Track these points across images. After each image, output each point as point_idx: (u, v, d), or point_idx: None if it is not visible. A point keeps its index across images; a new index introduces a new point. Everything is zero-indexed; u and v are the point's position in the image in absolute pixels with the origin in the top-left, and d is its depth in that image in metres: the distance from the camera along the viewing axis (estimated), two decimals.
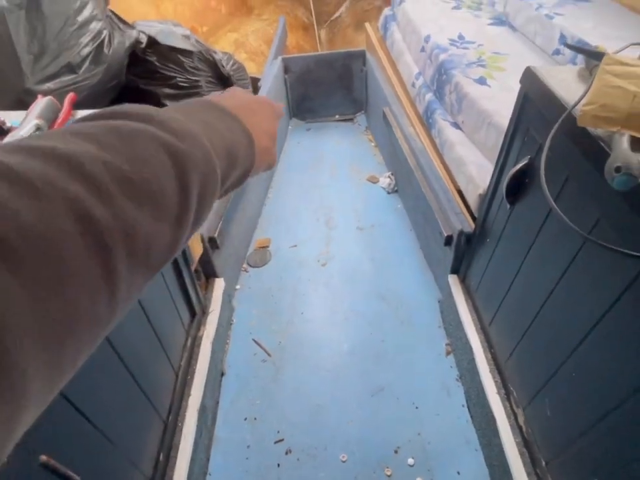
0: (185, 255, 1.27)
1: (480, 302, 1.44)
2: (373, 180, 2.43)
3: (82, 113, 0.94)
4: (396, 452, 1.29)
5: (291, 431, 1.34)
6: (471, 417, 1.37)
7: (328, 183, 2.45)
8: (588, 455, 0.86)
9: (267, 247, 2.02)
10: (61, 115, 0.87)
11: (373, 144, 2.77)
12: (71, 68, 1.32)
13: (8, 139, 0.76)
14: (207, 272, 1.57)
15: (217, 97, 0.38)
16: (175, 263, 1.23)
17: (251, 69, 2.92)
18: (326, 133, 2.92)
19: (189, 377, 1.26)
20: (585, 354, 0.86)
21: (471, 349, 1.37)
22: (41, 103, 0.85)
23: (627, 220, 0.70)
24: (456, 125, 1.65)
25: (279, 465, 1.27)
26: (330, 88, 2.92)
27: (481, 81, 1.58)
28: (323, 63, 2.82)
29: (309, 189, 2.41)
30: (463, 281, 1.57)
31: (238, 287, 1.83)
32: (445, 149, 1.66)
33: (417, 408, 1.40)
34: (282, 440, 1.32)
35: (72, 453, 0.65)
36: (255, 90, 2.43)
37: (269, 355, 1.56)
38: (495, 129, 1.39)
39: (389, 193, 2.32)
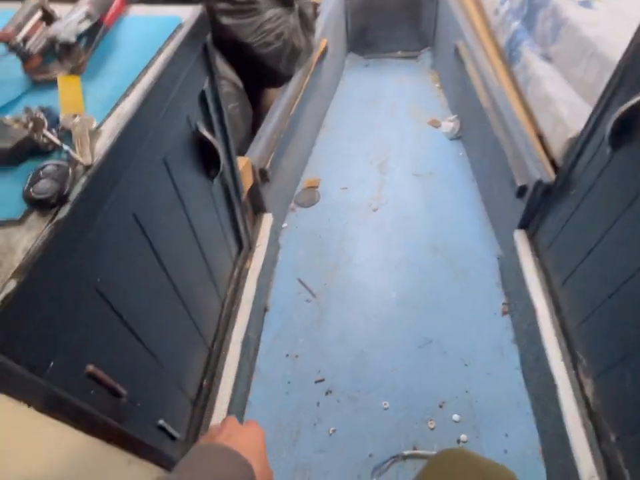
0: (236, 185, 1.20)
1: (551, 261, 1.30)
2: (435, 124, 2.23)
3: (135, 9, 0.84)
4: (441, 406, 1.23)
5: (333, 373, 1.31)
6: (525, 380, 1.28)
7: (384, 124, 2.27)
8: None
9: (316, 187, 1.93)
10: (113, 6, 0.78)
11: (437, 85, 2.52)
12: None
13: (57, 25, 0.68)
14: (256, 206, 1.51)
15: (223, 437, 0.48)
16: (227, 193, 1.16)
17: None
18: (386, 71, 2.68)
19: (234, 308, 1.23)
20: None
21: (534, 310, 1.26)
22: None
23: None
24: (546, 58, 1.42)
25: (318, 404, 1.25)
26: (394, 19, 2.64)
27: (586, 4, 1.33)
28: None
29: (364, 129, 2.24)
30: (532, 238, 1.41)
31: (285, 225, 1.77)
32: (529, 86, 1.45)
33: (465, 365, 1.32)
34: (323, 380, 1.29)
35: (119, 368, 0.63)
36: (315, 16, 2.23)
37: (313, 295, 1.52)
38: (598, 61, 1.17)
39: (451, 139, 2.13)
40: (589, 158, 1.09)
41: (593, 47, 1.20)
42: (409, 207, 1.81)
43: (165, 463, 0.72)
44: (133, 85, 0.64)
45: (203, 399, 1.02)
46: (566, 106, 1.24)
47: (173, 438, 0.84)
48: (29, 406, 0.39)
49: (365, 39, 2.73)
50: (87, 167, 0.51)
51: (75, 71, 0.65)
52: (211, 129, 0.96)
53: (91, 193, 0.50)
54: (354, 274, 1.58)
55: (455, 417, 1.21)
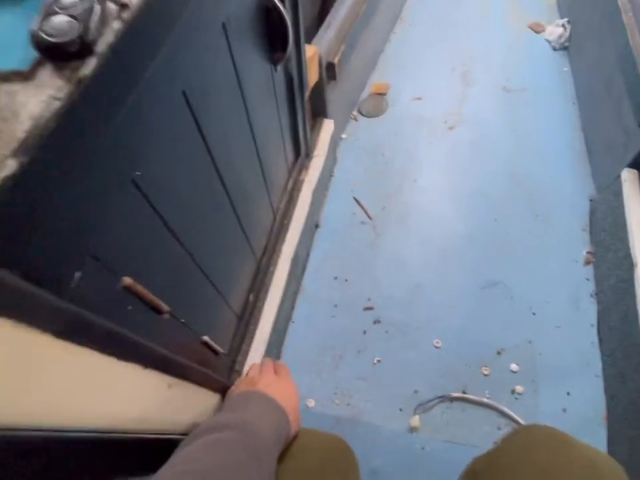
0: (302, 78, 1.00)
1: None
2: (537, 28, 1.83)
3: None
4: (499, 353, 1.13)
5: (383, 302, 1.22)
6: (600, 340, 1.14)
7: (474, 24, 1.89)
8: None
9: (385, 94, 1.67)
10: None
11: None
12: None
13: None
14: (317, 109, 1.31)
15: (262, 385, 0.56)
16: (290, 90, 0.98)
17: None
18: None
19: (285, 221, 1.12)
20: None
21: (631, 264, 1.06)
22: None
23: None
24: None
25: (365, 332, 1.18)
26: None
27: None
28: None
29: (448, 29, 1.88)
30: None
31: (344, 136, 1.58)
32: None
33: (533, 314, 1.19)
34: (372, 308, 1.21)
35: (161, 281, 0.53)
36: None
37: (369, 217, 1.37)
38: None
39: (555, 48, 1.75)
40: None
41: None
42: (492, 128, 1.55)
43: (207, 380, 0.66)
44: None
45: (248, 314, 0.95)
46: None
47: (216, 353, 0.79)
48: (45, 333, 0.29)
49: None
50: (123, 5, 0.35)
51: None
52: None
53: (128, 46, 0.36)
54: (417, 199, 1.41)
55: (513, 366, 1.11)
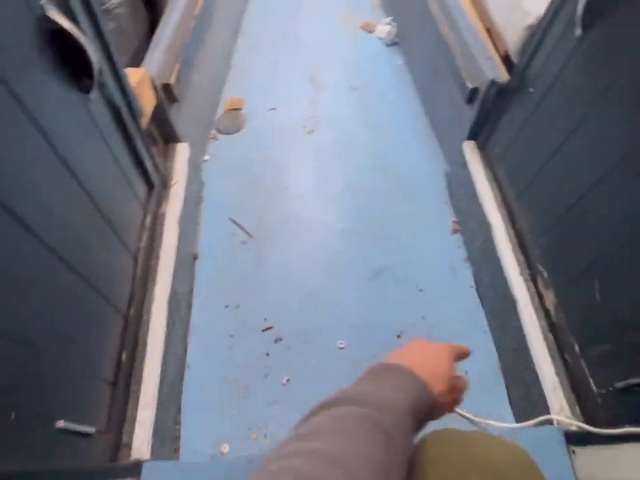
0: (130, 104, 0.91)
1: (504, 173, 1.20)
2: (369, 28, 1.97)
3: None
4: (399, 336, 1.16)
5: (280, 318, 1.17)
6: (480, 299, 1.24)
7: (311, 31, 1.97)
8: None
9: (240, 108, 1.64)
10: None
11: None
12: None
13: None
14: (165, 134, 1.22)
15: (400, 355, 0.49)
16: (117, 118, 0.88)
17: None
18: None
19: (152, 262, 1.01)
20: None
21: (488, 226, 1.17)
22: None
23: None
24: None
25: (267, 354, 1.12)
26: None
27: None
28: None
29: (288, 38, 1.93)
30: (483, 149, 1.30)
31: (206, 157, 1.50)
32: None
33: (420, 290, 1.25)
34: (270, 327, 1.15)
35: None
36: None
37: (249, 235, 1.32)
38: None
39: (387, 44, 1.89)
40: (552, 46, 0.95)
41: None
42: (348, 126, 1.61)
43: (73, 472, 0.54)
44: None
45: (125, 377, 0.83)
46: None
47: (85, 435, 0.66)
48: None
49: None
50: None
51: None
52: (71, 15, 0.66)
53: None
54: (293, 206, 1.40)
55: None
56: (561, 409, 0.89)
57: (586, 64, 0.85)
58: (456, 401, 0.49)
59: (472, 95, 1.20)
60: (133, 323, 0.89)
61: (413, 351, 0.49)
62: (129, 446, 0.79)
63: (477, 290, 1.25)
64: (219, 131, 1.57)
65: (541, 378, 0.95)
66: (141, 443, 0.80)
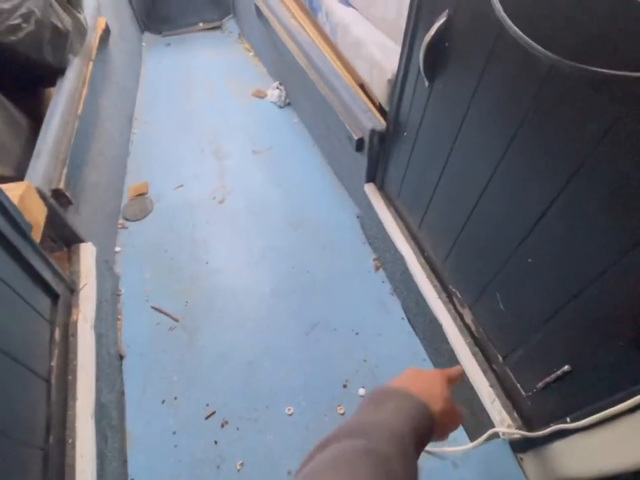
0: (15, 224, 0.87)
1: (404, 207, 1.30)
2: (260, 94, 2.09)
3: None
4: (345, 386, 1.16)
5: (223, 400, 1.13)
6: (413, 328, 1.29)
7: (206, 106, 2.04)
8: (552, 342, 0.79)
9: (145, 193, 1.63)
10: None
11: (251, 53, 2.36)
12: None
13: None
14: (66, 237, 1.18)
15: (397, 382, 0.50)
16: (2, 239, 0.84)
17: None
18: (191, 47, 2.42)
19: (69, 378, 0.94)
20: (537, 242, 0.75)
21: (402, 257, 1.24)
22: None
23: None
24: (346, 3, 1.37)
25: (216, 442, 1.06)
26: None
27: None
28: None
29: (184, 116, 1.98)
30: (382, 189, 1.40)
31: (118, 249, 1.46)
32: (338, 35, 1.39)
33: (357, 334, 1.27)
34: (213, 413, 1.10)
35: None
36: None
37: (175, 320, 1.28)
38: None
39: (280, 107, 2.01)
40: (411, 96, 1.07)
41: None
42: (258, 189, 1.66)
43: None
44: None
45: None
46: (376, 47, 1.21)
47: None
48: None
49: (157, 15, 2.40)
50: None
51: None
52: None
53: None
54: (216, 280, 1.39)
55: (361, 391, 1.15)
56: (502, 419, 0.93)
57: (439, 109, 0.97)
58: (455, 423, 0.50)
59: (359, 144, 1.30)
60: (54, 452, 0.80)
61: (409, 376, 0.51)
62: None
63: (408, 320, 1.30)
64: (127, 219, 1.54)
65: (478, 393, 0.99)
66: None
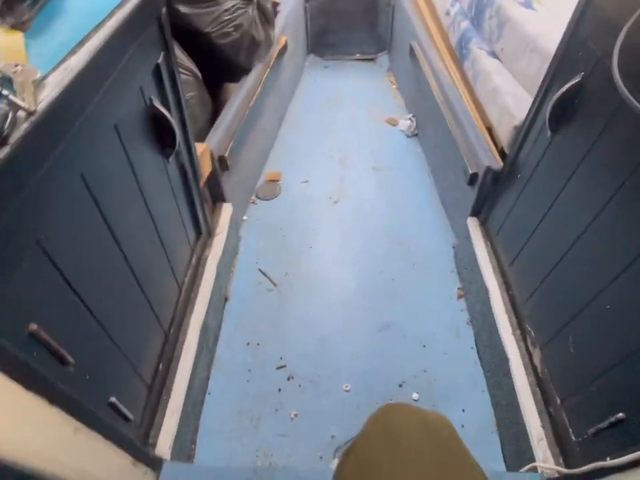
0: (194, 169, 1.18)
1: (500, 245, 1.37)
2: (392, 122, 2.30)
3: None
4: (400, 386, 1.26)
5: (294, 359, 1.31)
6: (480, 358, 1.33)
7: (344, 123, 2.32)
8: (611, 389, 0.81)
9: (278, 180, 1.93)
10: None
11: (394, 86, 2.61)
12: None
13: None
14: (215, 195, 1.49)
15: None
16: (184, 178, 1.14)
17: None
18: (345, 72, 2.75)
19: (192, 294, 1.21)
20: (618, 291, 0.80)
21: (486, 290, 1.31)
22: None
23: None
24: (493, 54, 1.51)
25: (280, 390, 1.24)
26: (353, 22, 2.72)
27: (527, 4, 1.43)
28: None
29: (324, 127, 2.28)
30: (484, 224, 1.48)
31: (245, 217, 1.76)
32: (478, 81, 1.53)
33: (424, 346, 1.36)
34: (284, 366, 1.29)
35: (66, 335, 0.60)
36: (275, 14, 2.25)
37: (274, 284, 1.51)
38: (538, 55, 1.26)
39: (408, 136, 2.20)
40: (532, 143, 1.17)
41: (534, 42, 1.29)
42: (369, 200, 1.85)
43: (117, 437, 0.69)
44: (81, 43, 0.63)
45: (159, 384, 0.99)
46: (511, 97, 1.33)
47: (126, 419, 0.81)
48: None
49: (324, 41, 2.78)
50: (30, 113, 0.49)
51: (18, 27, 0.63)
52: (166, 105, 0.94)
53: (34, 140, 0.49)
54: (315, 264, 1.59)
55: (415, 395, 1.24)
56: (545, 458, 0.96)
57: (555, 159, 1.05)
58: None
59: (472, 179, 1.41)
60: (171, 341, 1.06)
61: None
62: (154, 446, 0.92)
63: (478, 350, 1.36)
64: (258, 197, 1.84)
65: (528, 430, 1.02)
66: (164, 444, 0.93)
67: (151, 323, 0.95)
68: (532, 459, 0.98)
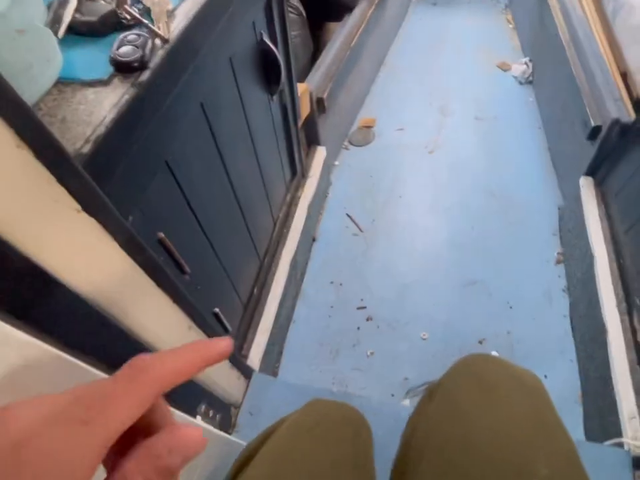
0: (294, 108, 1.21)
1: (617, 209, 1.22)
2: (504, 67, 2.08)
3: None
4: (480, 342, 1.24)
5: (374, 302, 1.35)
6: (572, 329, 1.25)
7: (448, 66, 2.15)
8: None
9: (372, 126, 1.89)
10: None
11: (510, 25, 2.33)
12: None
13: None
14: (311, 137, 1.51)
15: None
16: (285, 118, 1.18)
17: None
18: (455, 10, 2.51)
19: (285, 230, 1.28)
20: None
21: (592, 257, 1.20)
22: None
23: None
24: None
25: (358, 328, 1.30)
26: None
27: None
28: None
29: (427, 70, 2.14)
30: (599, 185, 1.33)
31: (337, 162, 1.77)
32: (618, 17, 1.30)
33: (510, 307, 1.31)
34: (364, 307, 1.34)
35: (184, 248, 0.69)
36: None
37: (360, 230, 1.54)
38: None
39: (521, 83, 1.98)
40: None
41: None
42: (468, 151, 1.74)
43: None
44: None
45: (253, 305, 1.09)
46: None
47: (225, 330, 0.92)
48: (114, 241, 0.45)
49: None
50: (164, 41, 0.54)
51: None
52: (274, 41, 0.96)
53: (168, 65, 0.54)
54: (403, 213, 1.58)
55: (494, 353, 1.22)
56: (635, 437, 0.90)
57: None
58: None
59: (594, 132, 1.25)
60: (265, 268, 1.15)
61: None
62: (246, 357, 1.04)
63: (571, 319, 1.27)
64: (350, 143, 1.84)
65: (619, 407, 0.96)
66: (254, 357, 1.05)
67: (249, 249, 1.04)
68: (618, 435, 0.93)
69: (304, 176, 1.43)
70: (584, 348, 1.19)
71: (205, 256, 0.79)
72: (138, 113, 0.50)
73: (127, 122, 0.48)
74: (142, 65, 0.50)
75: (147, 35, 0.52)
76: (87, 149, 0.43)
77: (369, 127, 1.89)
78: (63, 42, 0.53)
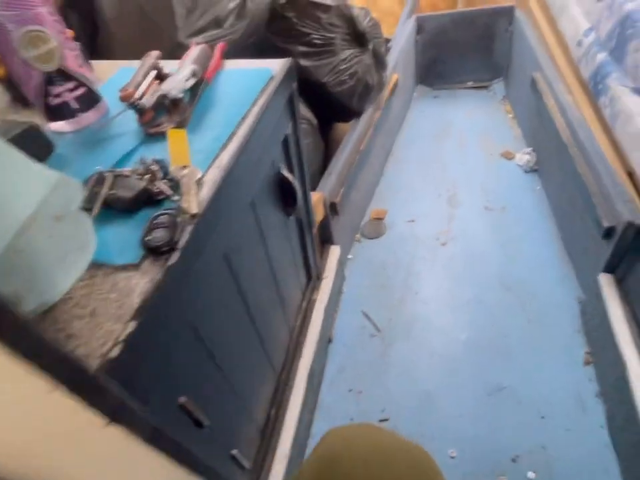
0: (309, 219, 1.24)
1: None
2: (508, 156, 2.16)
3: (230, 63, 0.93)
4: (514, 460, 1.15)
5: (397, 412, 1.28)
6: (613, 442, 1.16)
7: (454, 156, 2.24)
8: None
9: (383, 218, 1.93)
10: (212, 63, 0.87)
11: (510, 115, 2.45)
12: (217, 22, 1.34)
13: (168, 83, 0.77)
14: (324, 238, 1.54)
15: None
16: (300, 227, 1.21)
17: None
18: (456, 102, 2.66)
19: (301, 338, 1.26)
20: None
21: (623, 363, 1.14)
22: (196, 50, 0.85)
23: None
24: (638, 92, 1.34)
25: None
26: (466, 50, 2.63)
27: None
28: (461, 21, 2.53)
29: (432, 161, 2.23)
30: (620, 283, 1.30)
31: (350, 256, 1.79)
32: (617, 122, 1.36)
33: (542, 418, 1.23)
34: (387, 419, 1.27)
35: (204, 400, 0.67)
36: (386, 52, 2.28)
37: (377, 330, 1.50)
38: None
39: (526, 171, 2.04)
40: None
41: None
42: (480, 243, 1.75)
43: None
44: (231, 136, 0.70)
45: (271, 428, 1.04)
46: None
47: (242, 468, 0.87)
48: (139, 438, 0.43)
49: (434, 71, 2.74)
50: (193, 216, 0.56)
51: (181, 124, 0.73)
52: (290, 169, 1.01)
53: (196, 240, 0.56)
54: (420, 310, 1.55)
55: (531, 474, 1.12)
56: None
57: None
58: None
59: (608, 233, 1.26)
60: (281, 386, 1.11)
61: None
62: None
63: (609, 430, 1.18)
64: (363, 235, 1.86)
65: None
66: None
67: (266, 372, 1.01)
68: None
69: (319, 278, 1.44)
70: (628, 468, 1.09)
71: (224, 398, 0.76)
72: (167, 294, 0.51)
73: (156, 306, 0.49)
74: (171, 248, 0.52)
75: (175, 213, 0.55)
76: (115, 352, 0.43)
77: (380, 219, 1.93)
78: (95, 218, 0.56)
